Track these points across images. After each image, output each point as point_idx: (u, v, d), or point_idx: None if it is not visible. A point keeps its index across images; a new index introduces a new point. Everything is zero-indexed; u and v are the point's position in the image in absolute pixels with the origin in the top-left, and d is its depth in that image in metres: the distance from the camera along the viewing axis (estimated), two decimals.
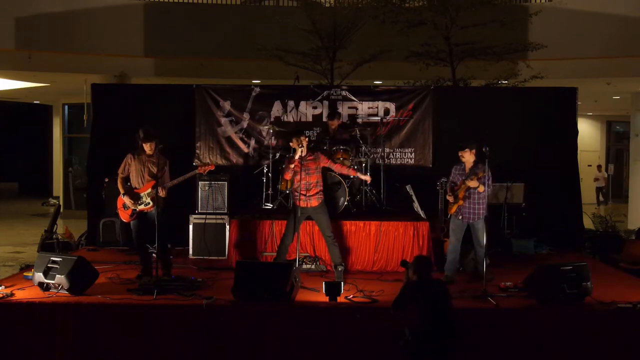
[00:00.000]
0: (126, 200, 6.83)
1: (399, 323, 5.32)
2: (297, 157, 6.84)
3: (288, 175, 6.99)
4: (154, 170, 6.80)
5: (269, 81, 11.83)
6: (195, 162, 9.22)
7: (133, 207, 6.80)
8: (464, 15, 11.09)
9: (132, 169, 6.87)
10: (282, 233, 7.47)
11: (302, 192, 6.88)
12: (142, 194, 6.79)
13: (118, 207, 6.98)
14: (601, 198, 20.76)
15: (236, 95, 9.50)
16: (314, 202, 6.93)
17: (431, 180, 8.00)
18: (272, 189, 8.63)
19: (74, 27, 12.92)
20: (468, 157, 6.89)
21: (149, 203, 6.76)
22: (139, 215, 6.85)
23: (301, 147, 6.83)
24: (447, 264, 7.06)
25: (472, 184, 6.70)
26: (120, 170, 6.95)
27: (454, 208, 6.94)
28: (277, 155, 8.81)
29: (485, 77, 11.53)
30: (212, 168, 7.14)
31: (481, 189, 6.71)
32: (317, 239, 7.61)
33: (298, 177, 6.85)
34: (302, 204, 6.90)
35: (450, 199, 6.95)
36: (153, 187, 6.71)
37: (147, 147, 6.80)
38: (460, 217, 6.95)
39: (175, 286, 6.35)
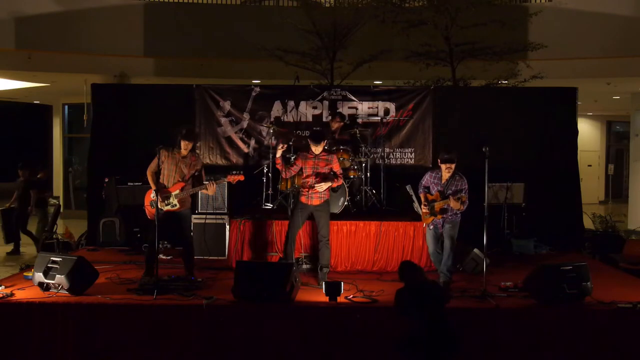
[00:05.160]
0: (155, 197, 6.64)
1: (399, 324, 5.31)
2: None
3: (287, 175, 6.99)
4: (186, 171, 6.74)
5: (269, 81, 11.82)
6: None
7: (160, 207, 6.58)
8: (464, 15, 11.08)
9: (165, 167, 6.72)
10: (282, 233, 7.50)
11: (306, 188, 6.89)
12: (170, 195, 6.71)
13: (145, 203, 6.82)
14: None
15: (236, 95, 9.51)
16: (316, 200, 6.90)
17: None
18: (272, 189, 8.64)
19: (74, 27, 12.90)
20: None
21: (175, 205, 6.70)
22: (165, 214, 6.72)
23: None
24: (439, 271, 6.88)
25: (455, 205, 6.50)
26: (153, 166, 6.69)
27: (430, 220, 6.78)
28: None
29: (485, 77, 11.53)
30: (242, 179, 6.89)
31: (461, 208, 6.55)
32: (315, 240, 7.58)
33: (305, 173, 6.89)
34: (304, 200, 6.91)
35: (426, 210, 6.78)
36: (182, 190, 6.68)
37: (184, 146, 6.71)
38: (432, 227, 6.81)
39: (175, 286, 6.35)
